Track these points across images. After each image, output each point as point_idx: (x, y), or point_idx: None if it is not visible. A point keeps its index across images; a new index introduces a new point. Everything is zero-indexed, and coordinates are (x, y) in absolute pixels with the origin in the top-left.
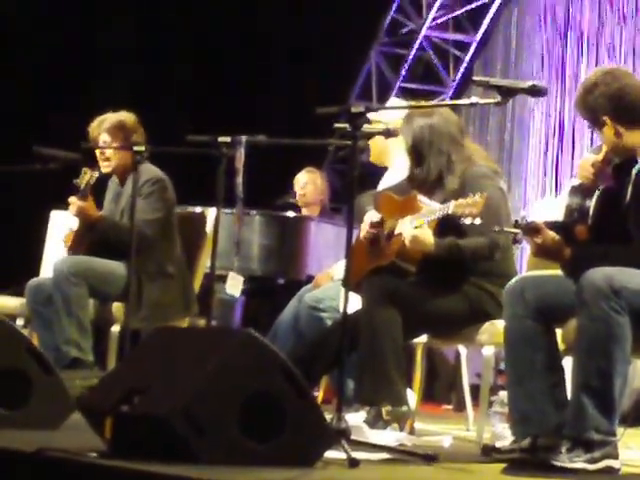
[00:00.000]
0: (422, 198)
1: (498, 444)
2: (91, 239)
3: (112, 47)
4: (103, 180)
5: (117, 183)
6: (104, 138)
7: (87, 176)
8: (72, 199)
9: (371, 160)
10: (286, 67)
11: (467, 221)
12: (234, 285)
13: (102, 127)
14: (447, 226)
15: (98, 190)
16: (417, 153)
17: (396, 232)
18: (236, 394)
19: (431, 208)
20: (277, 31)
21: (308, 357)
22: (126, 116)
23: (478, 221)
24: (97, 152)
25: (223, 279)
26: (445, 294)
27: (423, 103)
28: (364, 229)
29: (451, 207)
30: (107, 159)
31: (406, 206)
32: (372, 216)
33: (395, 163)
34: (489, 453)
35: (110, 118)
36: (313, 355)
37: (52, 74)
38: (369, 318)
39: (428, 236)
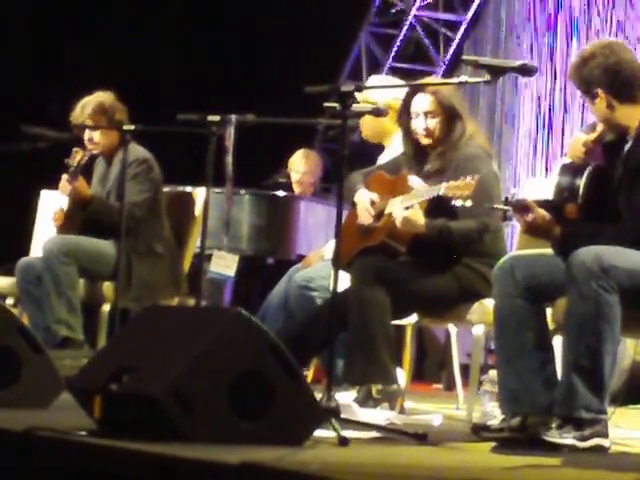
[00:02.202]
0: (412, 178)
1: (488, 423)
2: (82, 218)
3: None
4: (91, 161)
5: (104, 164)
6: (89, 124)
7: (79, 156)
8: (64, 178)
9: (365, 138)
10: (276, 47)
11: (458, 203)
12: (223, 264)
13: (85, 113)
14: (437, 207)
15: (87, 171)
16: (451, 115)
17: (386, 212)
18: (225, 373)
19: (421, 189)
20: (268, 10)
21: (299, 339)
22: (104, 97)
23: (469, 203)
24: (85, 137)
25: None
26: (435, 274)
27: (415, 82)
28: (365, 210)
29: (442, 189)
30: (95, 143)
31: (396, 185)
32: (369, 195)
33: (393, 141)
34: (479, 432)
35: (90, 102)
36: (304, 337)
37: (40, 51)
38: (358, 298)
39: (419, 217)
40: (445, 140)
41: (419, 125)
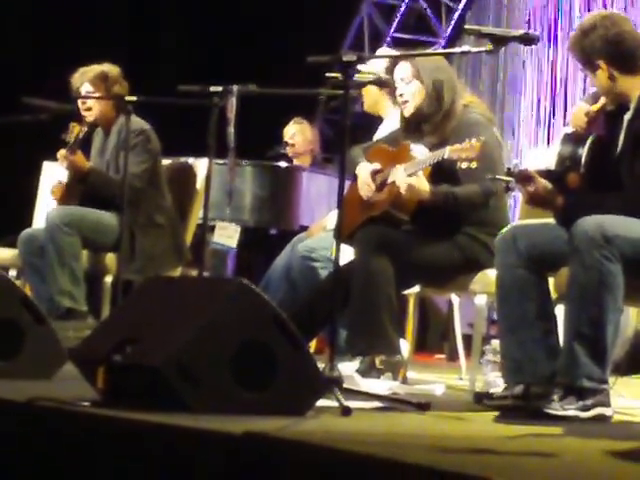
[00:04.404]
0: (414, 147)
1: (490, 391)
2: (82, 191)
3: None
4: (89, 134)
5: (102, 135)
6: (86, 88)
7: (76, 130)
8: (61, 152)
9: (366, 109)
10: (278, 17)
11: (463, 165)
12: (225, 235)
13: (85, 77)
14: (441, 173)
15: (85, 144)
16: (427, 82)
17: (389, 181)
18: (228, 343)
19: (424, 156)
20: None
21: (303, 314)
22: (109, 67)
23: (474, 165)
24: (79, 102)
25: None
26: (438, 243)
27: (415, 52)
28: (366, 184)
29: (447, 152)
30: (89, 109)
31: (398, 156)
32: (371, 167)
33: (390, 113)
34: (481, 400)
35: (93, 69)
36: (309, 312)
37: (43, 27)
38: (362, 268)
39: (424, 184)
40: (426, 109)
41: (397, 93)
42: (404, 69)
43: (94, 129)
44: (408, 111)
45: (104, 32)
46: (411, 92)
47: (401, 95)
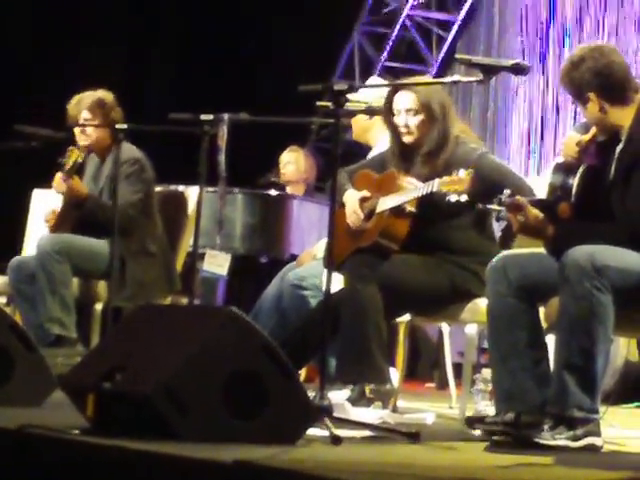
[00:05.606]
0: (401, 176)
1: (482, 415)
2: (77, 217)
3: (95, 27)
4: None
5: (96, 162)
6: (84, 115)
7: (74, 155)
8: (58, 177)
9: (354, 139)
10: (269, 46)
11: (452, 198)
12: (215, 263)
13: (82, 104)
14: (429, 205)
15: (79, 168)
16: (432, 114)
17: (377, 210)
18: (219, 372)
19: (413, 186)
20: (260, 9)
21: (293, 342)
22: (105, 94)
23: (464, 198)
24: (76, 129)
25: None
26: (427, 273)
27: (405, 80)
28: (354, 212)
29: (435, 185)
30: (87, 135)
31: (384, 183)
32: (359, 194)
33: (379, 142)
34: (473, 424)
35: (90, 96)
36: (299, 340)
37: (34, 51)
38: (351, 297)
39: None
40: (426, 140)
41: (400, 122)
42: (410, 100)
43: (88, 155)
44: (409, 140)
45: (104, 32)
46: (416, 124)
47: (406, 126)
